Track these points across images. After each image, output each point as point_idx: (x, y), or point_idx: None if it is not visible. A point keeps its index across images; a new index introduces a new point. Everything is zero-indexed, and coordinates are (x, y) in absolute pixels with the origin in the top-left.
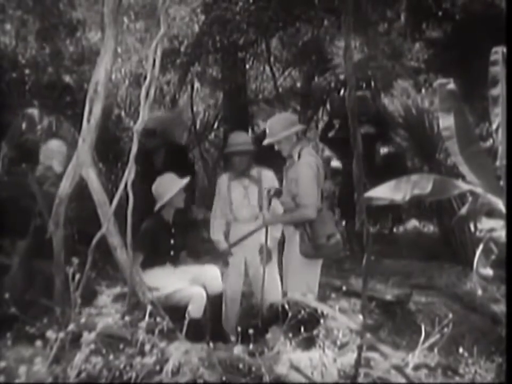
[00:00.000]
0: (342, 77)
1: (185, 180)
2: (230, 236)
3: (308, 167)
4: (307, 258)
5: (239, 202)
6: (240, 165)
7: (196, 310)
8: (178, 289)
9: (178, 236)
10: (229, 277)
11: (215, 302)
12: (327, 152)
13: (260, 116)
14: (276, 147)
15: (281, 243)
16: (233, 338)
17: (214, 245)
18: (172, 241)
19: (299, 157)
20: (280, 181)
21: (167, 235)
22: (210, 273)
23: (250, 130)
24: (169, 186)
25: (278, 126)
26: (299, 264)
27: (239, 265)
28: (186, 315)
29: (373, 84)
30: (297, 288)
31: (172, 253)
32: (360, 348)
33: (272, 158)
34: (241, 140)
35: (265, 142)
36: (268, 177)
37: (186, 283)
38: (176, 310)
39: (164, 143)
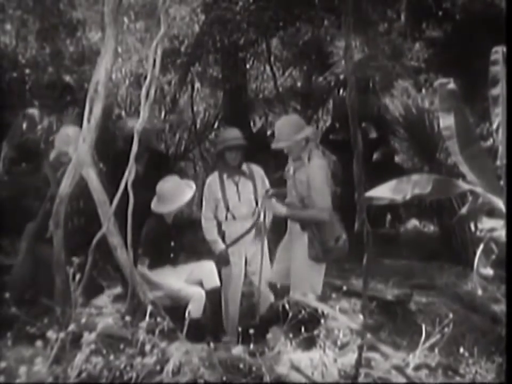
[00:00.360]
0: (342, 76)
1: (193, 187)
2: (226, 235)
3: (321, 170)
4: (316, 262)
5: (236, 199)
6: (233, 161)
7: (195, 310)
8: (178, 290)
9: (178, 237)
10: (230, 277)
11: (212, 296)
12: (329, 153)
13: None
14: (285, 151)
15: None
16: (227, 338)
17: (211, 245)
18: (172, 243)
19: (309, 159)
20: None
21: (168, 237)
22: (206, 268)
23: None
24: (177, 192)
25: (287, 130)
26: (306, 267)
27: (239, 264)
28: (186, 315)
29: (373, 83)
30: (302, 290)
31: (172, 255)
32: (360, 348)
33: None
34: (232, 135)
35: (274, 146)
36: (259, 173)
37: (184, 282)
38: (176, 310)
39: (146, 150)
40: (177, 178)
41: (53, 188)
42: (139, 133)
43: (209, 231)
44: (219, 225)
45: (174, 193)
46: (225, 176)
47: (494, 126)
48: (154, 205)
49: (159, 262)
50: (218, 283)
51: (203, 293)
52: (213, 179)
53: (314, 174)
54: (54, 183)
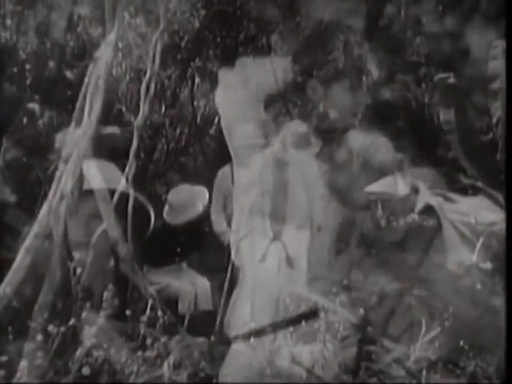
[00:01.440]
0: (342, 71)
1: (206, 196)
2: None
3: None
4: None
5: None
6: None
7: (184, 306)
8: (167, 285)
9: (184, 242)
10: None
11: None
12: None
13: None
14: None
15: None
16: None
17: (219, 237)
18: (179, 250)
19: None
20: None
21: (175, 243)
22: (202, 288)
23: None
24: (189, 204)
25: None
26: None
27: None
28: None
29: (373, 77)
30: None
31: (177, 259)
32: (361, 342)
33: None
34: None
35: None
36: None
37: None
38: (177, 304)
39: None
40: (189, 188)
41: (45, 186)
42: (139, 128)
43: (218, 223)
44: (228, 219)
45: (186, 204)
46: (239, 169)
47: (494, 120)
48: (166, 214)
49: (160, 263)
50: (211, 306)
51: (192, 289)
52: (224, 172)
53: None
54: (45, 181)
